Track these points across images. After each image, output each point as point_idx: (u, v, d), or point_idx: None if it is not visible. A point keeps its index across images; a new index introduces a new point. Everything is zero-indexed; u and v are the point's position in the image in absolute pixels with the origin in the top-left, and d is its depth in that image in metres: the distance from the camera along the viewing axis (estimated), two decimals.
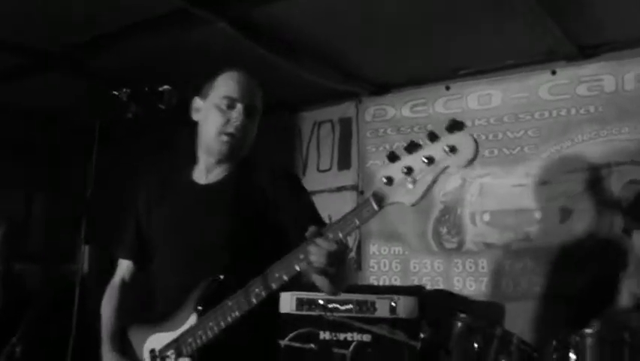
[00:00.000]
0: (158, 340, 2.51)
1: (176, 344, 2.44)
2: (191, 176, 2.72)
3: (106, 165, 2.53)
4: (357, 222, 2.07)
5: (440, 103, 5.02)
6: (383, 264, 5.15)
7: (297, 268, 2.18)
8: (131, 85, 2.45)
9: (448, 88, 5.00)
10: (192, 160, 2.75)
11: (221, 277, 2.41)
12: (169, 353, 2.46)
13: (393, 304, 4.16)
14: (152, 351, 2.52)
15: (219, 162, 2.65)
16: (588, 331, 2.81)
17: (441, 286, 4.81)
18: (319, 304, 4.24)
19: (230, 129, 2.56)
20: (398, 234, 5.10)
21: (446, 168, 1.93)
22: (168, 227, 2.65)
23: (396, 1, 3.87)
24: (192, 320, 2.41)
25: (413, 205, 1.98)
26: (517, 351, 2.94)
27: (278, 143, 5.60)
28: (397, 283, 5.01)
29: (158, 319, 2.54)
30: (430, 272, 4.92)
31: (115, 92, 2.34)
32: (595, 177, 4.37)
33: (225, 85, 2.62)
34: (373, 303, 4.18)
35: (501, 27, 4.12)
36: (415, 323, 4.03)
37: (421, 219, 5.00)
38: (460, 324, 3.10)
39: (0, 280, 4.55)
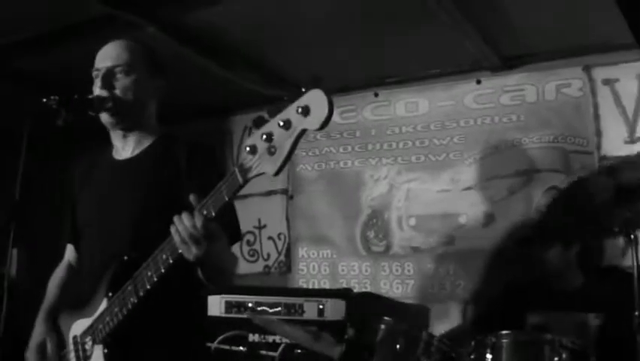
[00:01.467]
0: (80, 326, 2.52)
1: (91, 331, 2.44)
2: (111, 154, 2.71)
3: (35, 168, 2.52)
4: (226, 197, 2.00)
5: (369, 109, 5.10)
6: (312, 267, 5.20)
7: (168, 259, 2.14)
8: (60, 90, 2.45)
9: (376, 95, 5.09)
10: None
11: (125, 257, 2.38)
12: (87, 340, 2.46)
13: (320, 306, 4.21)
14: (75, 337, 2.53)
15: (125, 134, 2.63)
16: (504, 332, 2.91)
17: (368, 289, 4.87)
18: (248, 306, 4.27)
19: (97, 92, 2.53)
20: (327, 237, 5.16)
21: (303, 131, 1.82)
22: (90, 208, 2.67)
23: (325, 8, 3.93)
24: (104, 305, 2.39)
25: (276, 175, 1.90)
26: (437, 352, 3.02)
27: None
28: (326, 285, 5.07)
29: (82, 303, 2.54)
30: (358, 275, 4.99)
31: (44, 100, 2.33)
32: (517, 184, 4.53)
33: (95, 60, 2.62)
34: (302, 305, 4.22)
35: (427, 37, 4.23)
36: (342, 325, 4.09)
37: (349, 223, 5.09)
38: (383, 326, 3.17)
39: None
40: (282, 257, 5.32)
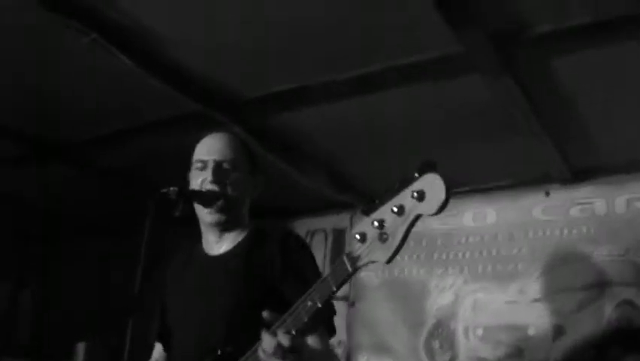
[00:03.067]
0: None
1: None
2: (203, 249, 2.65)
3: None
4: (334, 288, 1.87)
5: (436, 218, 5.06)
6: None
7: None
8: (143, 185, 2.48)
9: None
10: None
11: (219, 351, 2.30)
12: None
13: None
14: None
15: (223, 230, 2.57)
16: None
17: None
18: None
19: (207, 186, 2.49)
20: (388, 346, 5.08)
21: (418, 217, 1.73)
22: (183, 304, 2.60)
23: (398, 118, 4.03)
24: None
25: (388, 263, 1.78)
26: None
27: None
28: None
29: None
30: None
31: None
32: (587, 297, 4.46)
33: (197, 150, 2.60)
34: None
35: (498, 148, 4.30)
36: None
37: (412, 332, 5.01)
38: None
39: None
40: None
